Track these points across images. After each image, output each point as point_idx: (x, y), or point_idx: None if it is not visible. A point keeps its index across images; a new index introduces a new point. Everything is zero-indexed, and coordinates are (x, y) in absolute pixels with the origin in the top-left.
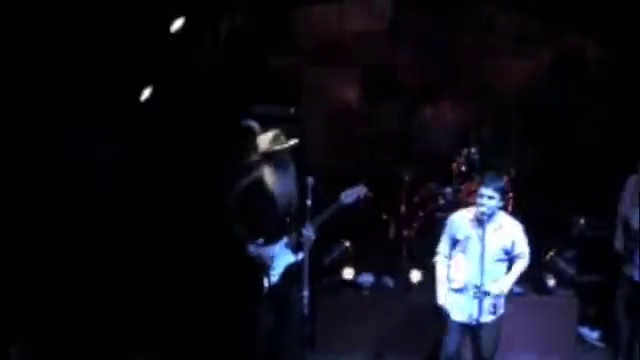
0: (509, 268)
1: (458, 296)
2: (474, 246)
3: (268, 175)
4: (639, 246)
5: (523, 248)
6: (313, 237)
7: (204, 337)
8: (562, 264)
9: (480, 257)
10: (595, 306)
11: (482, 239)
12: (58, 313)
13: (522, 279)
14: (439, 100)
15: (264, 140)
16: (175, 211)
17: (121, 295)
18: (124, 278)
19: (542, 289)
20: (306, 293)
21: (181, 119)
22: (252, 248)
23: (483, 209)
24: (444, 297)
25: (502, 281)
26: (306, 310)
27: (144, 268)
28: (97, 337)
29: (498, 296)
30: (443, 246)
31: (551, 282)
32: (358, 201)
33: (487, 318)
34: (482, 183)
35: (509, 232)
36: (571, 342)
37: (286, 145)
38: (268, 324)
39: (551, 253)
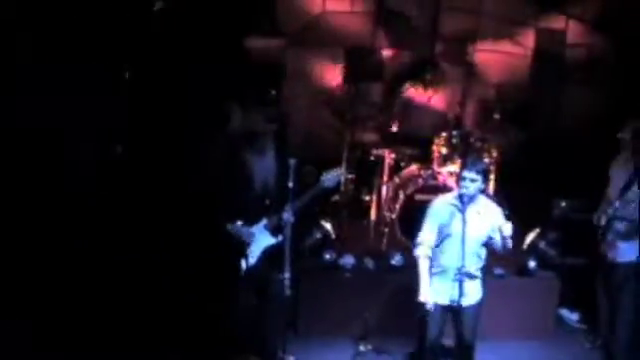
0: (488, 251)
1: (439, 279)
2: (456, 229)
3: (246, 156)
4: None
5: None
6: (293, 219)
7: (185, 322)
8: (543, 246)
9: (462, 240)
10: (576, 288)
11: (464, 222)
12: (51, 310)
13: (503, 261)
14: (421, 82)
15: (242, 120)
16: (153, 195)
17: (101, 286)
18: (109, 272)
19: (523, 271)
20: (287, 275)
21: (161, 104)
22: (231, 227)
23: (465, 191)
24: (426, 294)
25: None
26: (287, 292)
27: (125, 261)
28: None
29: (477, 279)
30: (427, 235)
31: (532, 264)
32: (338, 184)
33: (468, 301)
34: (464, 166)
35: (490, 216)
36: (551, 324)
37: (261, 122)
38: (249, 307)
39: (532, 235)
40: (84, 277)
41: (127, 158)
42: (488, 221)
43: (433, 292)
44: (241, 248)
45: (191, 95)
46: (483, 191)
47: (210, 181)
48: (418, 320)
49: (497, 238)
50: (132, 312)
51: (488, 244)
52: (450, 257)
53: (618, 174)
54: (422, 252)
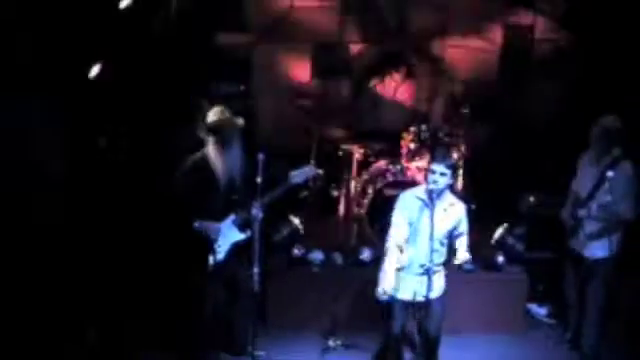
0: (449, 247)
1: (403, 274)
2: (424, 225)
3: (212, 152)
4: (584, 216)
5: (464, 228)
6: (261, 215)
7: (153, 319)
8: (511, 241)
9: (430, 236)
10: (544, 283)
11: (431, 218)
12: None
13: (472, 256)
14: (390, 77)
15: (209, 115)
16: (121, 191)
17: (71, 275)
18: (75, 262)
19: (491, 266)
20: (256, 270)
21: (130, 98)
22: (197, 224)
23: (434, 186)
24: (389, 283)
25: (461, 254)
26: (256, 287)
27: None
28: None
29: (440, 272)
30: (399, 230)
31: (500, 259)
32: (307, 181)
33: (434, 294)
34: (434, 159)
35: (456, 212)
36: (520, 318)
37: (228, 117)
38: (217, 303)
39: (500, 230)
40: (54, 273)
41: (110, 151)
42: (454, 217)
43: (397, 288)
44: (208, 244)
45: (159, 91)
46: (451, 187)
47: (177, 177)
48: (383, 314)
49: (459, 230)
50: (98, 308)
51: (449, 238)
52: (415, 252)
53: (586, 171)
54: (392, 244)
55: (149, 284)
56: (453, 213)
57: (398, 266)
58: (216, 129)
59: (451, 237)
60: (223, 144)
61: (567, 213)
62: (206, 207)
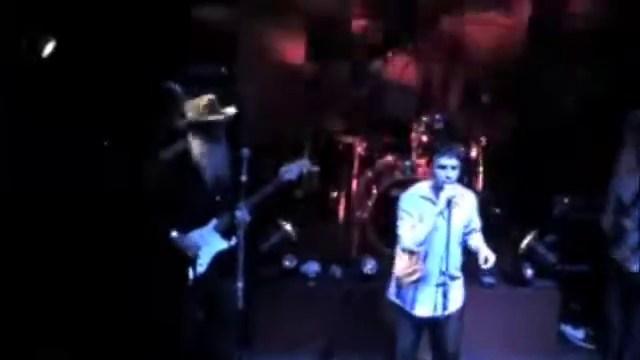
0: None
1: (419, 287)
2: (435, 227)
3: (195, 147)
4: (629, 224)
5: (478, 222)
6: (248, 219)
7: (124, 339)
8: (541, 250)
9: (446, 239)
10: (580, 300)
11: (449, 217)
12: None
13: (494, 268)
14: (397, 58)
15: (195, 107)
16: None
17: (35, 294)
18: (38, 277)
19: (518, 280)
20: (240, 285)
21: (91, 81)
22: (174, 234)
23: (448, 182)
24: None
25: (484, 253)
26: (241, 305)
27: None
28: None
29: (459, 279)
30: (406, 232)
31: (528, 272)
32: (300, 177)
33: (452, 307)
34: (440, 153)
35: (467, 205)
36: (552, 342)
37: (223, 116)
38: (196, 322)
39: (529, 238)
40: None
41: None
42: (466, 211)
43: (412, 304)
44: (187, 256)
45: (126, 76)
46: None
47: (152, 177)
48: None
49: (472, 226)
50: (66, 324)
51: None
52: (430, 260)
53: (628, 172)
54: (399, 249)
55: (121, 301)
56: (465, 208)
57: (413, 277)
58: (202, 123)
59: (464, 235)
60: (209, 140)
61: (609, 222)
62: (187, 211)
